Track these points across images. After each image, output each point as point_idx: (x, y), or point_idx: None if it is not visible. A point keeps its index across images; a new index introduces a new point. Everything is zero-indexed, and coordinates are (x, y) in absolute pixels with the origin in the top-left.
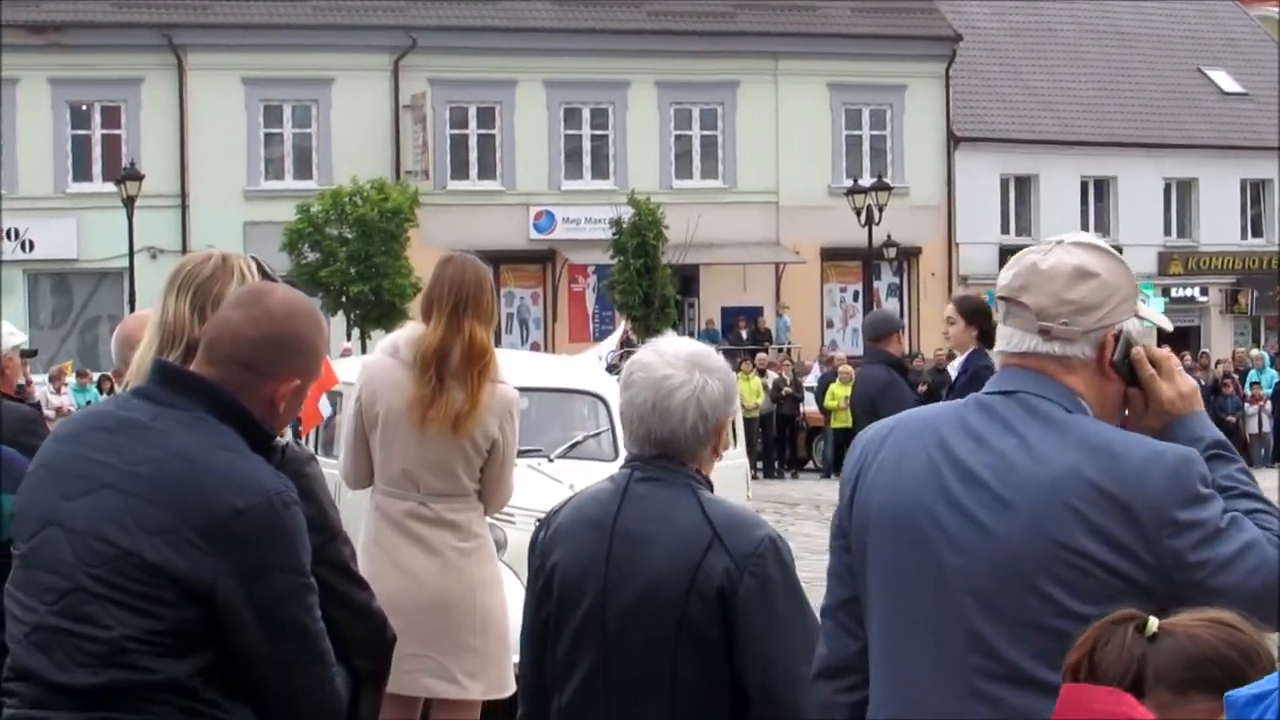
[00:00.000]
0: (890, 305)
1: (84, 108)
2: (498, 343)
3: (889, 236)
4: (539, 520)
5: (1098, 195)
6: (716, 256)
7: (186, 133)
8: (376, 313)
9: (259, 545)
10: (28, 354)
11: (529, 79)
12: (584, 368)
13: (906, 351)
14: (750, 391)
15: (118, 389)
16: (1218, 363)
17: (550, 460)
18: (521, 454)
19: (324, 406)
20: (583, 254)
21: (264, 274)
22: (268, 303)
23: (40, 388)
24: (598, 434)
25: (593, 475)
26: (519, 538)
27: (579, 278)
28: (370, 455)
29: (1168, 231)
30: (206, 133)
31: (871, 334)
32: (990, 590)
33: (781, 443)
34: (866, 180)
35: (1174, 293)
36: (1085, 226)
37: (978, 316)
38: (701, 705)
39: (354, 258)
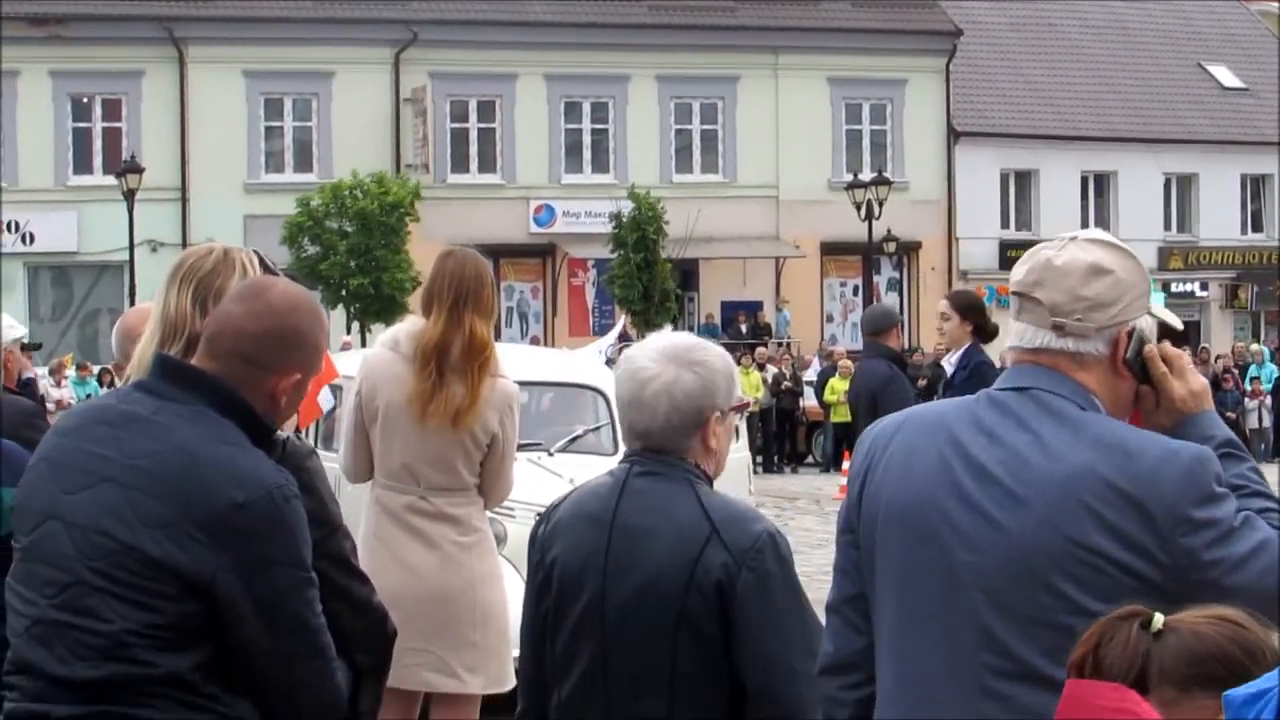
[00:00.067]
0: (890, 300)
1: (85, 100)
2: (497, 337)
3: (889, 231)
4: (539, 514)
5: (1098, 190)
6: (716, 251)
7: (187, 126)
8: (376, 306)
9: (260, 539)
10: (31, 347)
11: (529, 73)
12: (584, 362)
13: (906, 346)
14: (750, 386)
15: (118, 382)
16: (1218, 358)
17: (550, 454)
18: (521, 448)
19: (325, 400)
20: (583, 248)
21: (266, 268)
22: (269, 297)
23: (41, 380)
24: (597, 428)
25: (592, 469)
26: (519, 532)
27: (579, 272)
28: (370, 449)
29: (1168, 226)
30: (207, 126)
31: (871, 328)
32: (1002, 587)
33: (781, 437)
34: (866, 175)
35: (1174, 288)
36: (1085, 222)
37: (972, 312)
38: (700, 699)
39: (354, 251)
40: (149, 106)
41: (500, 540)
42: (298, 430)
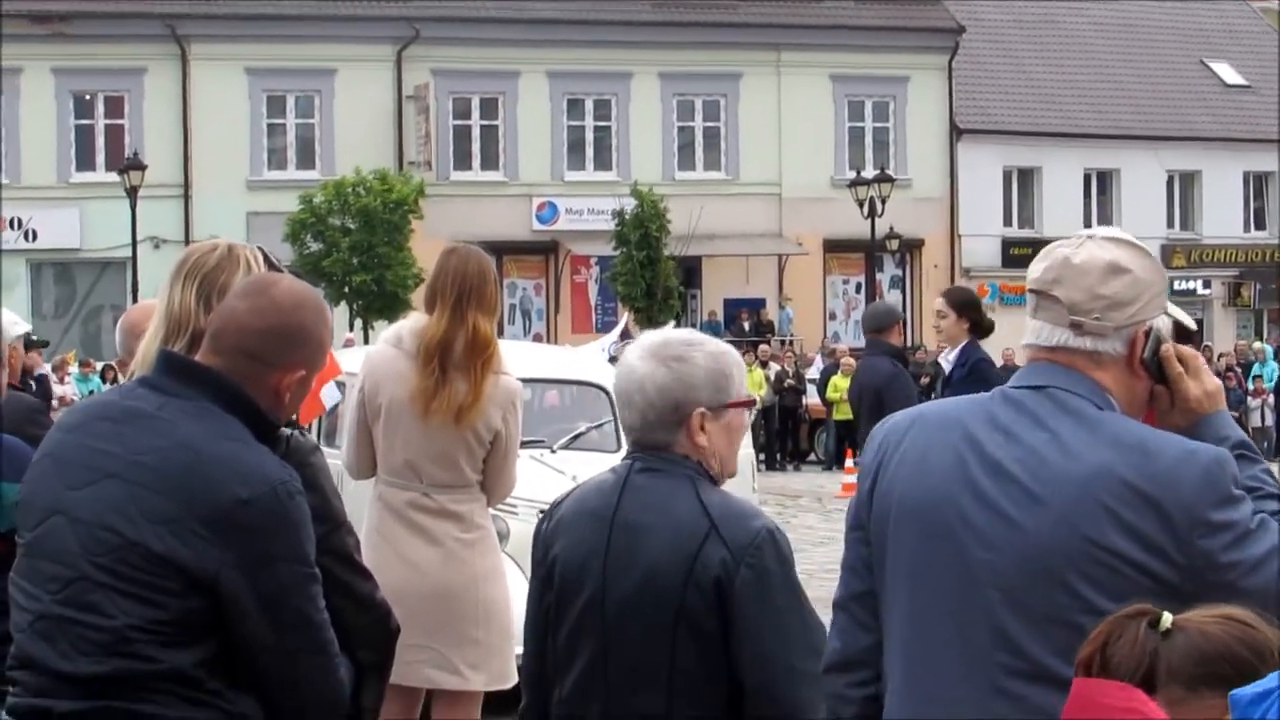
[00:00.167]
0: (893, 297)
1: (87, 97)
2: (500, 334)
3: (891, 228)
4: (542, 511)
5: (1100, 188)
6: (719, 248)
7: (189, 123)
8: (379, 303)
9: (263, 535)
10: (39, 344)
11: (532, 70)
12: (586, 359)
13: (908, 344)
14: (753, 384)
15: (121, 378)
16: (1220, 356)
17: (553, 451)
18: (524, 445)
19: (330, 396)
20: (585, 245)
21: (270, 264)
22: (273, 293)
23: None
24: (600, 425)
25: (595, 466)
26: (521, 529)
27: (582, 269)
28: (373, 446)
29: (1170, 224)
30: (209, 123)
31: (872, 326)
32: (1018, 586)
33: (784, 435)
34: (869, 172)
35: (1176, 285)
36: (1088, 219)
37: (968, 309)
38: (699, 696)
39: (356, 248)
40: (151, 103)
41: (503, 537)
42: (302, 426)
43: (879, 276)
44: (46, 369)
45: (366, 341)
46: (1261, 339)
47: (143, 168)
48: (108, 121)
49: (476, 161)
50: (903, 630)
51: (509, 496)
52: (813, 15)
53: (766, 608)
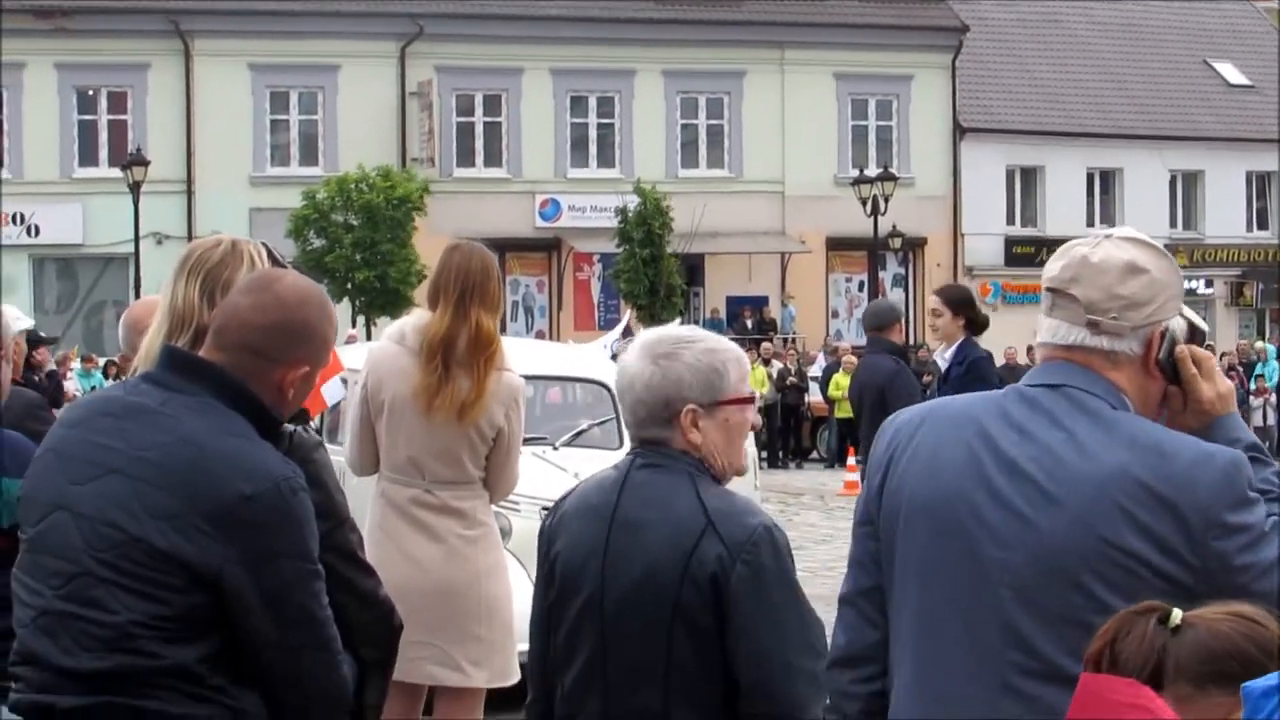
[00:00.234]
0: (895, 296)
1: (90, 93)
2: (503, 330)
3: (894, 227)
4: (545, 508)
5: (1103, 187)
6: (722, 246)
7: (193, 118)
8: (381, 300)
9: (266, 531)
10: (48, 341)
11: (535, 67)
12: (589, 356)
13: (910, 342)
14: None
15: (124, 374)
16: (1222, 355)
17: (555, 448)
18: (526, 442)
19: (333, 392)
20: (588, 242)
21: (274, 260)
22: (277, 289)
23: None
24: (602, 422)
25: (597, 463)
26: (524, 526)
27: (584, 266)
28: (376, 442)
29: (1173, 224)
30: (213, 119)
31: (874, 324)
32: (1031, 584)
33: (786, 432)
34: (872, 170)
35: None
36: (1090, 219)
37: (964, 306)
38: (696, 692)
39: (359, 244)
40: (155, 99)
41: (505, 534)
42: (307, 422)
43: (881, 275)
44: (52, 365)
45: (369, 338)
46: (1263, 338)
47: (146, 163)
48: (111, 117)
49: (480, 158)
50: (911, 627)
51: (511, 493)
52: (817, 13)
53: (763, 604)
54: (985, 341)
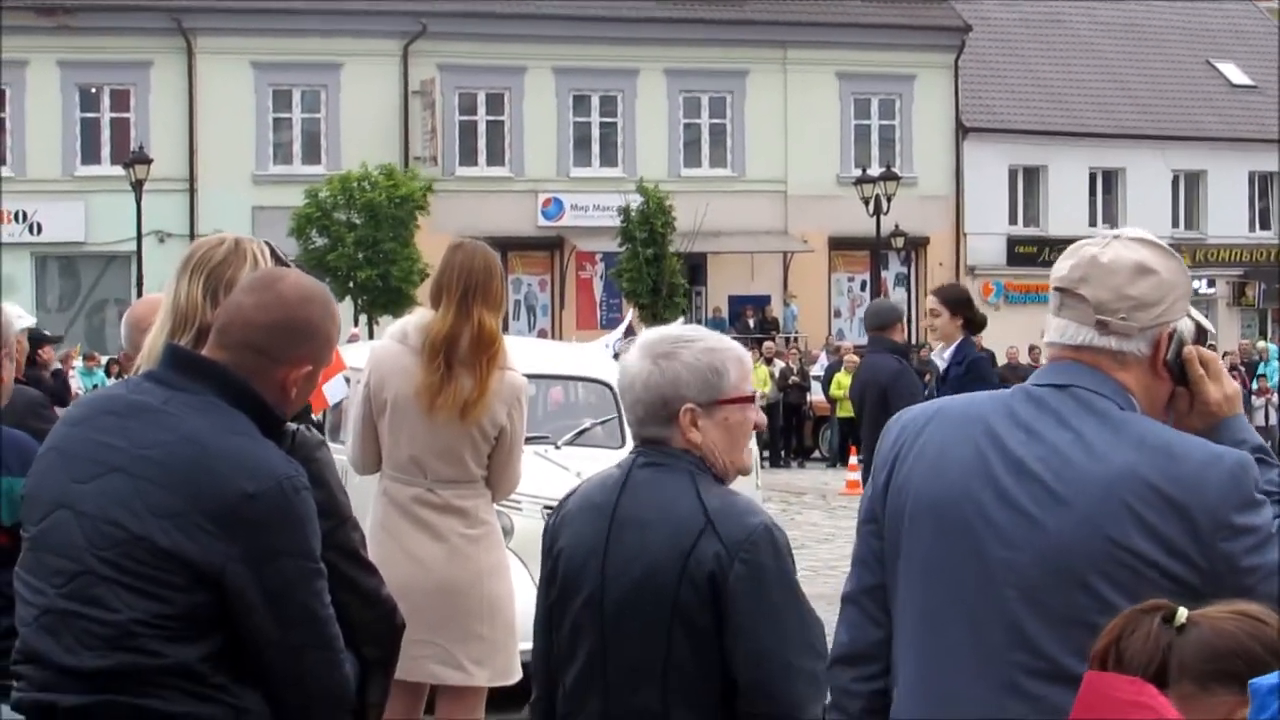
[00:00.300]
0: (897, 295)
1: (93, 90)
2: (505, 329)
3: (897, 226)
4: (547, 507)
5: (1106, 187)
6: (724, 245)
7: (195, 116)
8: (384, 298)
9: (269, 530)
10: (52, 340)
11: (538, 66)
12: (591, 355)
13: (912, 342)
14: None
15: (126, 373)
16: (1224, 355)
17: (557, 447)
18: (529, 441)
19: (334, 391)
20: (591, 241)
21: (277, 259)
22: (280, 288)
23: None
24: (605, 421)
25: (600, 463)
26: (526, 525)
27: (587, 265)
28: (378, 441)
29: (1175, 224)
30: (215, 117)
31: (875, 323)
32: (1038, 585)
33: (788, 432)
34: (875, 170)
35: None
36: (1093, 218)
37: (961, 306)
38: (695, 691)
39: (361, 243)
40: (157, 97)
41: (507, 533)
42: (310, 421)
43: (884, 274)
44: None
45: (371, 337)
46: (1265, 338)
47: (148, 161)
48: (113, 115)
49: (482, 157)
50: (915, 626)
51: (514, 492)
52: (820, 13)
53: (761, 604)
54: (988, 340)
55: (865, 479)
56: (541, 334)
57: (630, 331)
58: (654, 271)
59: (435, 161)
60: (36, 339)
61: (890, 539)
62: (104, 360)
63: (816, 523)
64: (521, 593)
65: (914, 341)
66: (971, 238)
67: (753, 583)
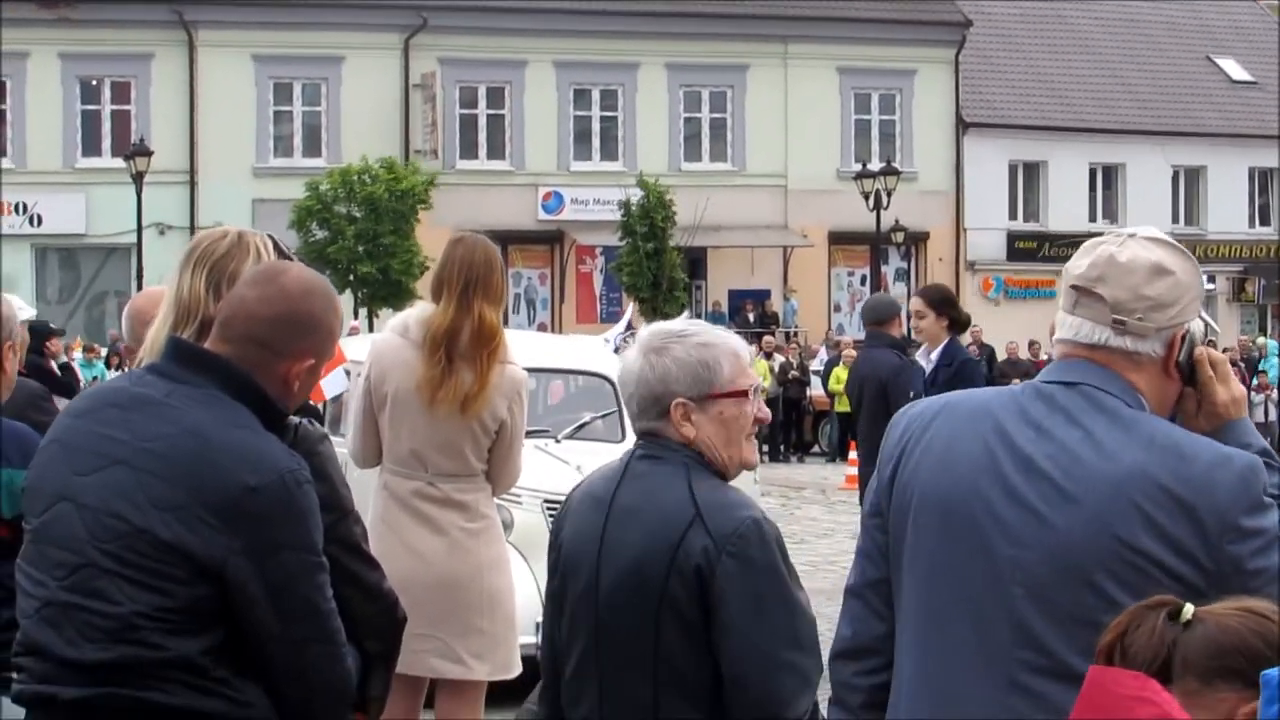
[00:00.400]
0: (897, 290)
1: (94, 83)
2: (505, 323)
3: (897, 221)
4: (546, 500)
5: (1106, 182)
6: (724, 239)
7: (196, 109)
8: (384, 292)
9: (271, 523)
10: (58, 332)
11: (539, 59)
12: (592, 349)
13: (911, 336)
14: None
15: (127, 365)
16: (1224, 350)
17: (558, 441)
18: (529, 435)
19: (332, 385)
20: (591, 235)
21: (280, 252)
22: (283, 281)
23: (50, 362)
24: (605, 415)
25: (600, 457)
26: (526, 519)
27: (587, 259)
28: (379, 434)
29: (1175, 219)
30: (216, 109)
31: (874, 318)
32: (1045, 583)
33: (788, 426)
34: (875, 165)
35: None
36: (1093, 214)
37: (946, 306)
38: (685, 684)
39: (362, 236)
40: (158, 89)
41: (507, 527)
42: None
43: (884, 269)
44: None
45: (371, 330)
46: (1265, 334)
47: (149, 154)
48: (114, 107)
49: (483, 151)
50: (917, 622)
51: (514, 486)
52: (820, 7)
53: (748, 598)
54: (988, 336)
55: (863, 474)
56: (541, 328)
57: (630, 327)
58: (654, 266)
59: (436, 155)
60: (44, 331)
61: (895, 534)
62: (104, 352)
63: (816, 517)
64: (521, 587)
65: (913, 337)
66: (971, 233)
67: (740, 577)
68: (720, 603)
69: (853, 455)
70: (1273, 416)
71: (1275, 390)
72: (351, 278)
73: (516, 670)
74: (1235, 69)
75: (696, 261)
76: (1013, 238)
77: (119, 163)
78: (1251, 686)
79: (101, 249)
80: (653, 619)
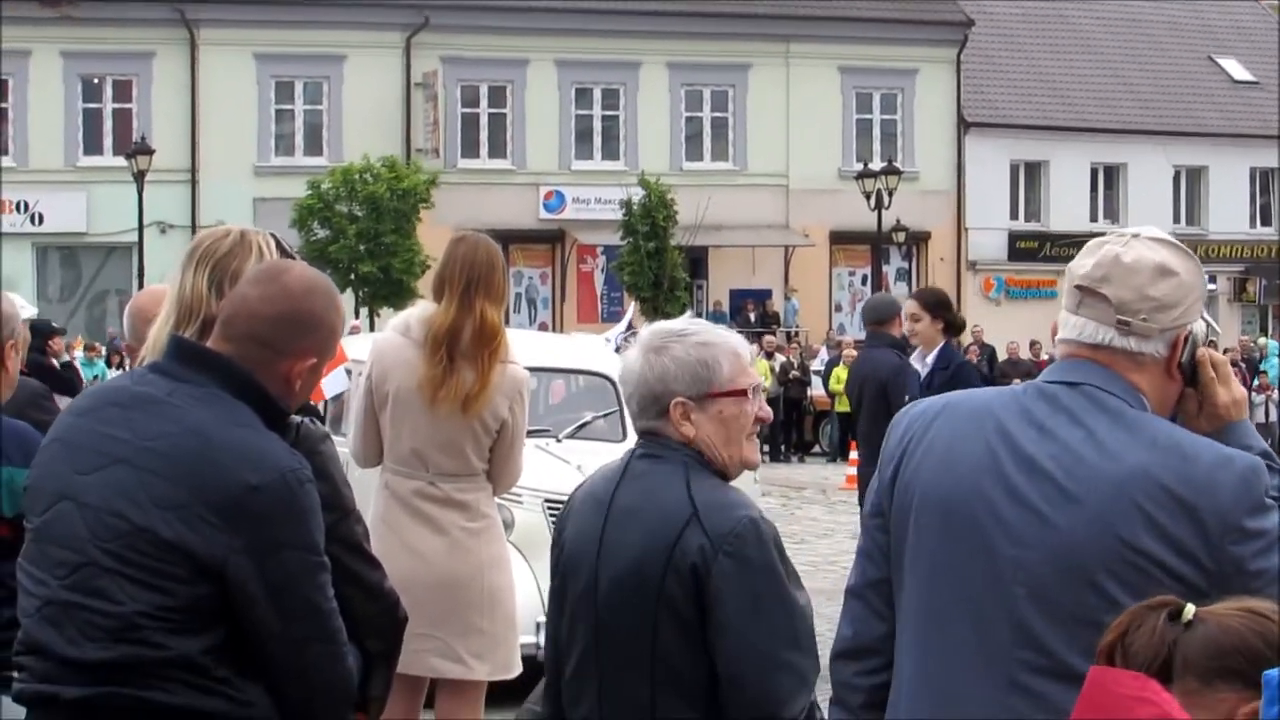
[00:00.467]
0: (898, 290)
1: (95, 81)
2: (506, 322)
3: (898, 221)
4: (547, 500)
5: (1107, 182)
6: (726, 239)
7: (197, 108)
8: (385, 291)
9: (272, 522)
10: (60, 331)
11: (540, 58)
12: (592, 348)
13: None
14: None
15: (128, 364)
16: (1225, 351)
17: (559, 441)
18: (530, 434)
19: (332, 384)
20: (592, 234)
21: (282, 251)
22: (285, 280)
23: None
24: (606, 415)
25: (601, 456)
26: (526, 518)
27: (588, 258)
28: (380, 434)
29: (1176, 219)
30: (217, 108)
31: (874, 318)
32: (1047, 583)
33: (788, 426)
34: (876, 164)
35: None
36: (1094, 214)
37: (941, 309)
38: (682, 683)
39: (363, 235)
40: (159, 88)
41: (508, 526)
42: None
43: (885, 269)
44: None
45: (372, 329)
46: (1266, 334)
47: (150, 152)
48: (115, 105)
49: (484, 150)
50: (917, 622)
51: (515, 486)
52: (822, 7)
53: (745, 598)
54: (989, 336)
55: (863, 474)
56: (542, 327)
57: (631, 327)
58: (655, 265)
59: (437, 154)
60: (45, 330)
61: (896, 533)
62: (104, 350)
63: (816, 518)
64: (521, 586)
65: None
66: (973, 233)
67: (736, 576)
68: (716, 602)
69: (853, 455)
70: (1273, 417)
71: (1276, 391)
72: (353, 277)
73: (517, 670)
74: (1237, 69)
75: (698, 261)
76: (1014, 237)
77: (120, 161)
78: (1252, 687)
79: (103, 248)
80: (650, 618)
